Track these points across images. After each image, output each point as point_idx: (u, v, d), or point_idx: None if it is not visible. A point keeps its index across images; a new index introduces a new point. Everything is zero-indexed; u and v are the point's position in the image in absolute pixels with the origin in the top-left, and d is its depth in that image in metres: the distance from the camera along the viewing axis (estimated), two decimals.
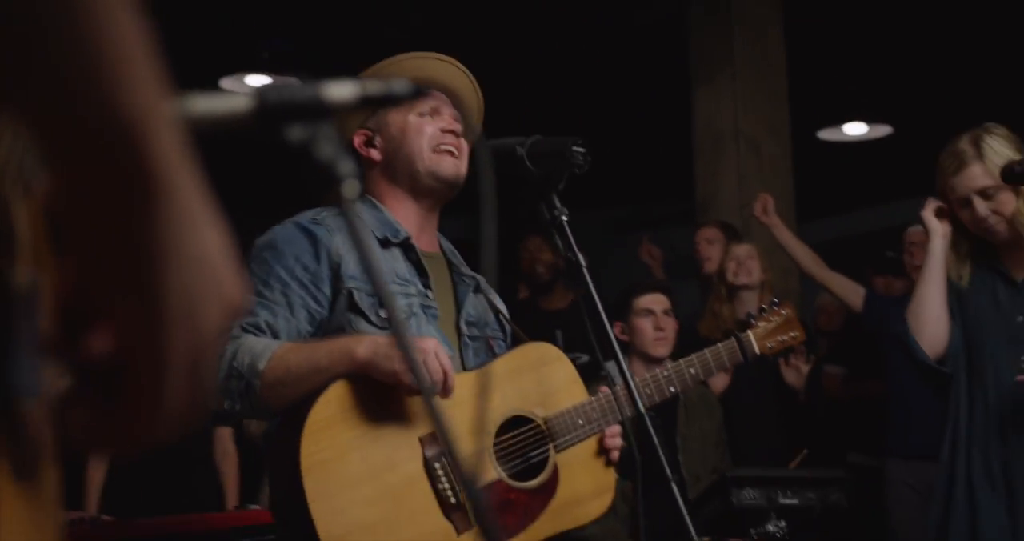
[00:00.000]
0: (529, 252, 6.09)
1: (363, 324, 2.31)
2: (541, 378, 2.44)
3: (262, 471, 5.12)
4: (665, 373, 2.65)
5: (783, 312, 2.92)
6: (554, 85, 7.52)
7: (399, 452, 2.20)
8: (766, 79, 6.42)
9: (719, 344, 2.79)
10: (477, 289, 2.57)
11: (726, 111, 6.29)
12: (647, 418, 2.17)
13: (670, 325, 4.34)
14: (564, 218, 2.30)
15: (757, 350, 2.84)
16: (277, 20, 6.41)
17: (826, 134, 8.29)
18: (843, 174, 8.92)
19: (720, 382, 4.99)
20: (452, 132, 2.51)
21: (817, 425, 5.38)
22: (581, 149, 2.32)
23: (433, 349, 2.16)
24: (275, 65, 6.56)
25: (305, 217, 2.40)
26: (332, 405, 2.15)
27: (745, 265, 5.15)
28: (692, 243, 5.68)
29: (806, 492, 4.08)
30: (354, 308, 2.32)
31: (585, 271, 2.25)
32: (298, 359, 2.17)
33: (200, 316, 0.66)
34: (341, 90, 0.88)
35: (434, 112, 2.52)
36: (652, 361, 4.51)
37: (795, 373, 5.16)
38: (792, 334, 2.92)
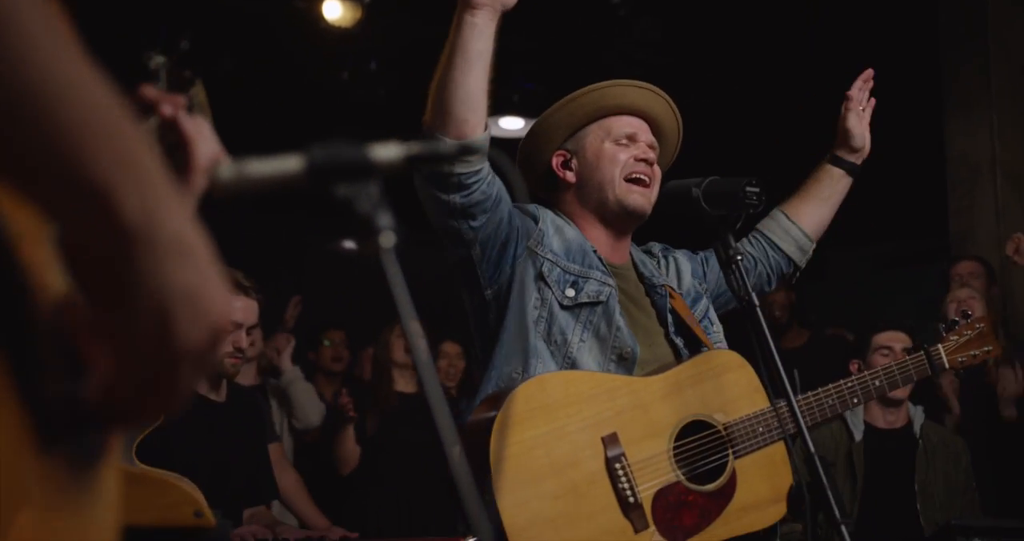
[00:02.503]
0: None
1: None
2: (723, 384, 2.48)
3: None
4: (849, 384, 2.63)
5: (977, 325, 2.82)
6: (806, 119, 7.39)
7: (582, 451, 2.31)
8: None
9: (907, 357, 2.76)
10: (671, 295, 2.65)
11: (983, 142, 6.00)
12: (817, 459, 2.15)
13: None
14: (739, 258, 2.34)
15: (947, 364, 2.78)
16: (526, 65, 6.66)
17: None
18: None
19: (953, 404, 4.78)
20: (645, 161, 2.62)
21: None
22: (755, 188, 2.36)
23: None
24: (525, 107, 6.80)
25: None
26: (519, 403, 2.28)
27: (967, 304, 4.87)
28: (946, 278, 5.42)
29: None
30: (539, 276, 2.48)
31: (758, 311, 2.27)
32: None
33: (181, 340, 0.76)
34: (387, 152, 0.99)
35: (631, 139, 2.65)
36: (891, 403, 4.37)
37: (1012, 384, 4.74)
38: (986, 348, 2.82)
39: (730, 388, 2.47)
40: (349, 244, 9.92)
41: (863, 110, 2.90)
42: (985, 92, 6.06)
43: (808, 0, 6.32)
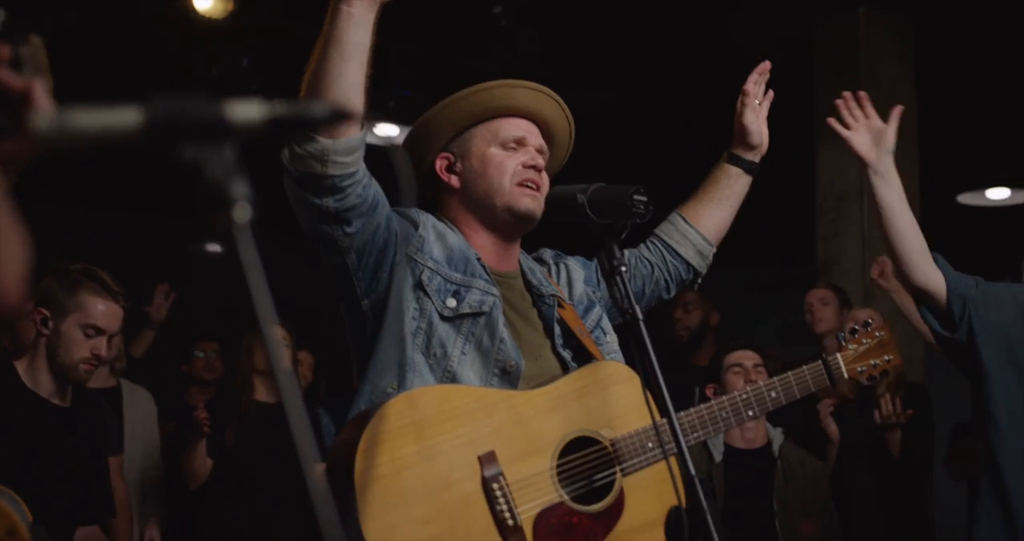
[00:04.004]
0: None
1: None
2: (610, 398, 2.34)
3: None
4: (744, 396, 2.51)
5: (877, 334, 2.74)
6: (672, 139, 7.45)
7: (456, 471, 2.16)
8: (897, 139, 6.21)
9: (804, 366, 2.63)
10: (560, 304, 2.51)
11: (851, 170, 6.10)
12: (697, 481, 2.05)
13: (762, 379, 4.21)
14: (623, 268, 2.23)
15: (845, 374, 2.68)
16: (403, 71, 6.52)
17: (967, 198, 7.98)
18: (984, 239, 8.55)
19: (833, 427, 4.83)
20: (534, 167, 2.49)
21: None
22: (643, 197, 2.25)
23: None
24: (401, 114, 6.67)
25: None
26: (389, 420, 2.12)
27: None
28: (803, 303, 5.50)
29: None
30: (419, 285, 2.34)
31: (641, 325, 2.16)
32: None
33: None
34: (246, 111, 0.85)
35: (519, 143, 2.51)
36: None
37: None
38: (886, 357, 2.73)
39: (618, 401, 2.34)
40: (215, 247, 9.60)
41: (759, 105, 2.79)
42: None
43: (691, 20, 6.35)
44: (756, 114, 2.76)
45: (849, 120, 3.08)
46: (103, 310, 3.31)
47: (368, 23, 2.16)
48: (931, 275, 3.01)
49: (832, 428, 4.94)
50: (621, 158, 7.10)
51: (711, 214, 2.79)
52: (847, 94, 3.09)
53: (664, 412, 2.12)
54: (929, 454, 5.04)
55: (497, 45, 6.31)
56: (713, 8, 6.10)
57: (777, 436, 4.49)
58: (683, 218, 2.80)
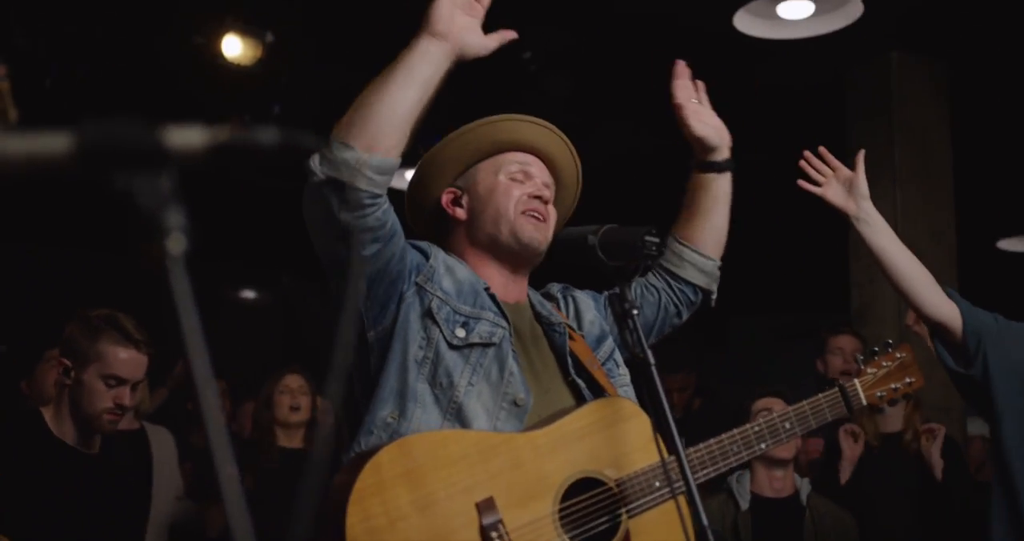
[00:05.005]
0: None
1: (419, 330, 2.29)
2: (615, 436, 2.24)
3: None
4: (756, 428, 2.40)
5: (898, 355, 2.62)
6: None
7: (453, 520, 2.08)
8: (929, 184, 6.12)
9: (820, 394, 2.51)
10: (571, 336, 2.44)
11: (886, 217, 6.00)
12: (710, 533, 1.96)
13: None
14: (635, 312, 2.15)
15: (864, 401, 2.56)
16: (432, 117, 6.52)
17: (1007, 244, 7.85)
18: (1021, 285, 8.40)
19: (845, 471, 4.66)
20: (540, 198, 2.44)
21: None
22: (655, 238, 2.18)
23: None
24: None
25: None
26: (382, 469, 2.05)
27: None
28: (823, 349, 5.38)
29: None
30: (427, 314, 2.28)
31: (653, 369, 2.09)
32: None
33: None
34: (186, 136, 0.80)
35: (525, 175, 2.47)
36: (775, 464, 4.30)
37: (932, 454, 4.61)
38: (908, 380, 2.60)
39: (624, 440, 2.23)
40: (246, 293, 9.64)
41: (698, 102, 2.67)
42: (889, 167, 6.09)
43: (721, 67, 6.31)
44: (699, 119, 2.65)
45: (817, 177, 3.03)
46: (124, 359, 3.23)
47: (441, 67, 2.18)
48: (944, 308, 2.93)
49: (850, 445, 4.71)
50: (649, 202, 7.04)
51: (702, 227, 2.69)
52: (807, 153, 3.04)
53: (672, 450, 2.03)
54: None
55: (526, 90, 6.30)
56: (745, 55, 6.06)
57: (804, 485, 4.38)
58: (676, 239, 2.70)
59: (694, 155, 2.69)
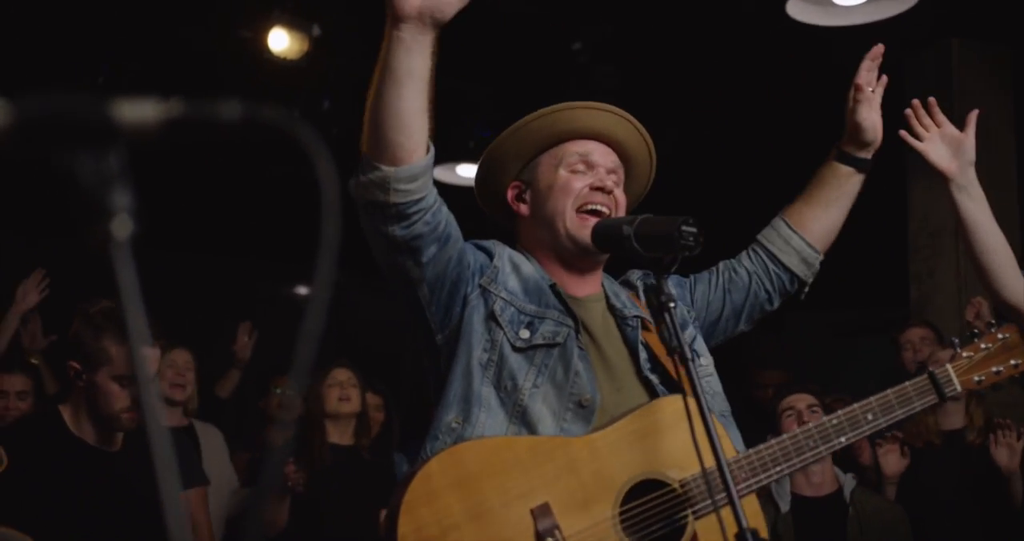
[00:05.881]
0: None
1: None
2: (676, 437, 2.14)
3: None
4: (835, 421, 2.27)
5: (1000, 336, 2.40)
6: (753, 178, 7.27)
7: (509, 528, 2.02)
8: (992, 173, 5.94)
9: (908, 382, 2.34)
10: (646, 327, 2.35)
11: (944, 205, 5.84)
12: (749, 536, 1.87)
13: (816, 420, 3.99)
14: (672, 305, 2.06)
15: (958, 386, 2.36)
16: (482, 111, 6.48)
17: None
18: None
19: (894, 463, 4.41)
20: (602, 189, 2.35)
21: None
22: (692, 229, 2.07)
23: None
24: (481, 154, 6.63)
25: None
26: (433, 479, 2.01)
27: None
28: (897, 344, 5.24)
29: None
30: (491, 316, 2.24)
31: (691, 364, 1.99)
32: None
33: None
34: (137, 110, 0.73)
35: (588, 165, 2.38)
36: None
37: (1007, 452, 4.32)
38: (1014, 362, 2.37)
39: (685, 440, 2.10)
40: (301, 290, 9.68)
41: (873, 93, 2.55)
42: None
43: (771, 52, 6.18)
44: (870, 108, 2.54)
45: (920, 131, 2.75)
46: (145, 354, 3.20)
47: (422, 48, 2.06)
48: (1021, 293, 2.76)
49: (890, 462, 4.47)
50: (701, 197, 6.92)
51: (819, 218, 2.57)
52: (915, 102, 2.77)
53: (714, 458, 1.94)
54: None
55: (576, 81, 6.22)
56: (797, 43, 5.93)
57: (848, 481, 4.23)
58: (787, 223, 2.59)
59: (840, 144, 2.59)
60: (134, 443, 3.32)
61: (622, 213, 2.37)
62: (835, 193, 2.57)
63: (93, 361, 3.16)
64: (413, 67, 2.05)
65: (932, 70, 6.17)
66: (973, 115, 2.77)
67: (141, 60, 5.82)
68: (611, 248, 2.30)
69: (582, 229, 2.32)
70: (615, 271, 2.55)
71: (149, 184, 0.72)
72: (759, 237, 2.61)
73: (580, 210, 2.34)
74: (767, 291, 2.58)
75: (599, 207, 2.34)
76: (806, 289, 2.63)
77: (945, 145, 2.74)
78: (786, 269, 2.58)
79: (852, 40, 5.80)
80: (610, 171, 2.40)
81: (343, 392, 5.12)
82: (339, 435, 5.13)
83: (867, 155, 2.58)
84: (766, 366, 6.47)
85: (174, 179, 6.49)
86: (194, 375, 5.00)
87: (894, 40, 6.00)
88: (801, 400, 4.12)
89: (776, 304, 2.61)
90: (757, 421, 5.31)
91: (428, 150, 2.12)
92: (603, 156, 2.40)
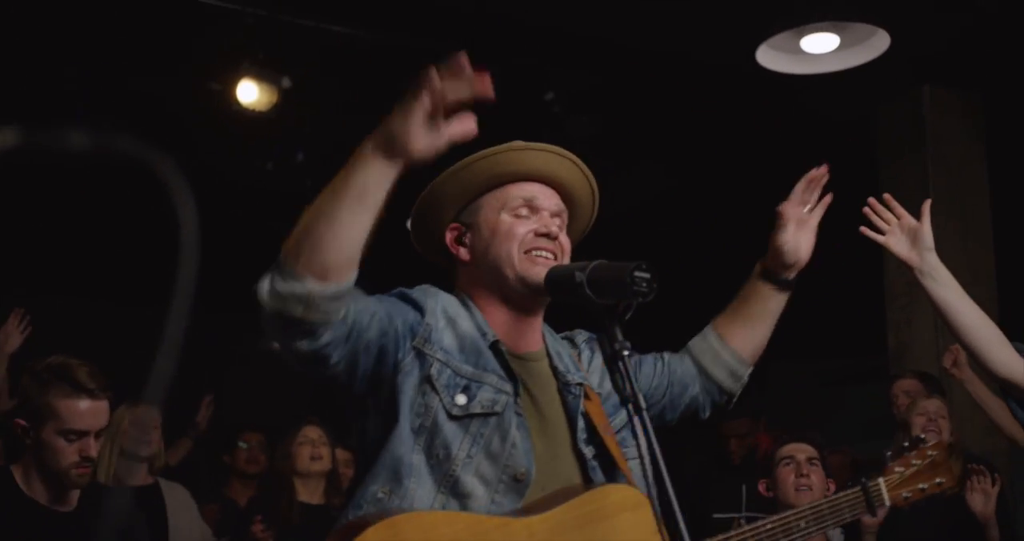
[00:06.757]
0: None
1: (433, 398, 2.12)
2: (616, 527, 2.07)
3: None
4: (768, 526, 2.27)
5: (929, 453, 2.50)
6: (731, 228, 7.26)
7: None
8: (966, 223, 5.93)
9: (840, 493, 2.41)
10: (587, 395, 2.26)
11: None
12: None
13: (815, 474, 3.93)
14: (626, 353, 1.97)
15: (887, 501, 2.44)
16: (456, 158, 6.44)
17: None
18: None
19: (980, 503, 4.41)
20: (547, 235, 2.27)
21: None
22: (645, 274, 1.98)
23: None
24: None
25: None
26: None
27: (936, 423, 4.61)
28: (888, 396, 5.18)
29: None
30: (427, 379, 2.11)
31: (645, 415, 1.90)
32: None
33: None
34: None
35: (531, 208, 2.28)
36: None
37: (982, 498, 4.38)
38: (938, 481, 2.49)
39: (624, 532, 2.07)
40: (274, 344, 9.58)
41: (809, 212, 2.53)
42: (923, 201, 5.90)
43: (743, 100, 6.19)
44: (791, 231, 2.51)
45: (881, 225, 2.90)
46: (80, 411, 3.02)
47: (391, 180, 1.91)
48: (1013, 365, 2.76)
49: (976, 501, 4.43)
50: (678, 246, 6.89)
51: (743, 333, 2.55)
52: (872, 200, 2.90)
53: (673, 530, 1.84)
54: None
55: (550, 132, 6.21)
56: (773, 92, 5.93)
57: (836, 537, 4.14)
58: (717, 335, 2.55)
59: (762, 261, 2.56)
60: (89, 502, 3.19)
61: (567, 258, 2.29)
62: (758, 309, 2.54)
63: (39, 417, 3.04)
64: (379, 196, 1.91)
65: (904, 117, 6.17)
66: (926, 205, 2.91)
67: (109, 112, 5.77)
68: (564, 295, 2.18)
69: (532, 267, 2.23)
70: (557, 324, 2.45)
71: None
72: (691, 346, 2.57)
73: (526, 253, 2.25)
74: (702, 400, 2.55)
75: (544, 254, 2.26)
76: (733, 400, 2.60)
77: (904, 235, 2.90)
78: (715, 383, 2.55)
79: (824, 88, 5.81)
80: (554, 214, 2.31)
81: (315, 451, 5.01)
82: (309, 494, 5.01)
83: (789, 276, 2.55)
84: (728, 417, 6.38)
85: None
86: (159, 433, 4.89)
87: (866, 88, 6.04)
88: (801, 451, 4.01)
89: (707, 414, 2.58)
90: (730, 476, 5.23)
91: (355, 275, 1.98)
92: (547, 199, 2.31)
